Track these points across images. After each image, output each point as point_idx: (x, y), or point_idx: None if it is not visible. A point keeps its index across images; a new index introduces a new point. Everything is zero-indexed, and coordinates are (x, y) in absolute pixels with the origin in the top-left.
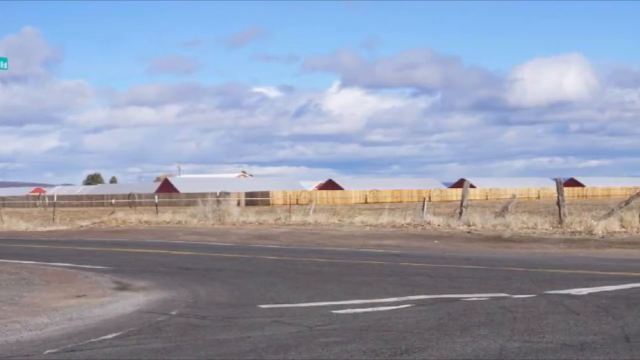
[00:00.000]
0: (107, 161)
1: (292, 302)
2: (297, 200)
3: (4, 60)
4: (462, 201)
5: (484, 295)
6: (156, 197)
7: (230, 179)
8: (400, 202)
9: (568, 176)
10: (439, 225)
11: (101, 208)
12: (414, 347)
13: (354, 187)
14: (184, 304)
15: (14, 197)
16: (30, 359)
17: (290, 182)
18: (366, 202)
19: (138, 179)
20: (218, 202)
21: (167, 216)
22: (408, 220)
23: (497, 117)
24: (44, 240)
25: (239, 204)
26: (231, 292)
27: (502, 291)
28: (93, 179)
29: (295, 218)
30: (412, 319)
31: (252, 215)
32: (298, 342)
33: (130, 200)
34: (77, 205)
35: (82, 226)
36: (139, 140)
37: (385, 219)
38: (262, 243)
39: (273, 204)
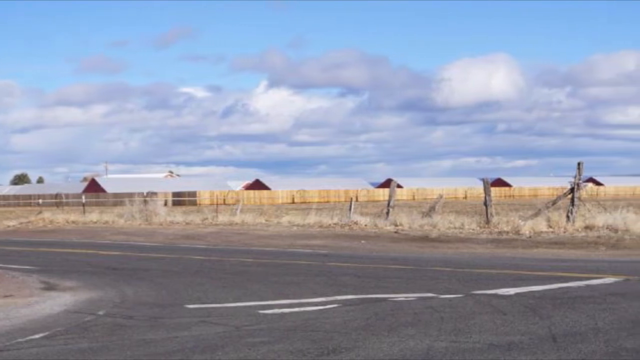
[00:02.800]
0: (34, 161)
1: (219, 302)
2: (224, 200)
3: None
4: (389, 201)
5: (412, 295)
6: (83, 197)
7: (157, 179)
8: (328, 202)
9: (495, 176)
10: (366, 225)
11: (28, 208)
12: (341, 347)
13: (281, 187)
14: (111, 304)
15: None
16: None
17: (218, 182)
18: (293, 202)
19: (65, 179)
20: (145, 202)
21: (94, 216)
22: (335, 220)
23: (424, 117)
24: None
25: (166, 204)
26: (158, 292)
27: (429, 291)
28: (20, 179)
29: (223, 218)
30: (339, 319)
31: (179, 215)
32: (225, 342)
33: (58, 200)
34: (3, 205)
35: (9, 226)
36: (66, 140)
37: (312, 219)
38: (189, 243)
39: (200, 204)
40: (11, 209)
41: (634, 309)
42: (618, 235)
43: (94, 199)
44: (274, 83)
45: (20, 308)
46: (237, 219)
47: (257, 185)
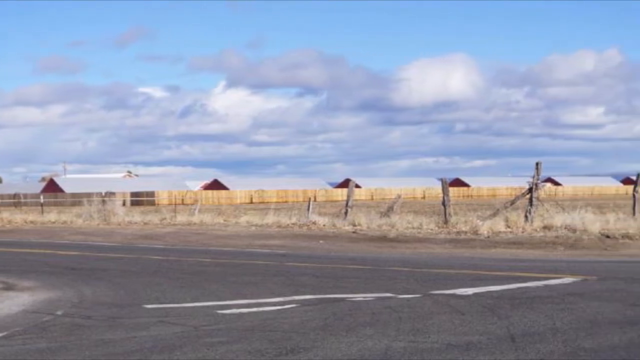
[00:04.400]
0: None
1: (178, 302)
2: (182, 200)
3: None
4: (347, 201)
5: (370, 295)
6: (42, 197)
7: (115, 179)
8: (286, 202)
9: (453, 176)
10: (324, 225)
11: None
12: (299, 347)
13: (240, 187)
14: (69, 304)
15: None
16: None
17: (176, 182)
18: (252, 202)
19: (23, 179)
20: (104, 202)
21: (52, 216)
22: (293, 220)
23: (382, 117)
24: None
25: (124, 204)
26: (116, 292)
27: (387, 291)
28: None
29: (181, 218)
30: (297, 319)
31: (137, 215)
32: (183, 342)
33: (16, 200)
34: None
35: None
36: (24, 140)
37: (270, 219)
38: (147, 243)
39: (158, 204)
40: None
41: (592, 309)
42: (576, 235)
43: (52, 199)
44: (232, 83)
45: None
46: (196, 219)
47: (216, 185)
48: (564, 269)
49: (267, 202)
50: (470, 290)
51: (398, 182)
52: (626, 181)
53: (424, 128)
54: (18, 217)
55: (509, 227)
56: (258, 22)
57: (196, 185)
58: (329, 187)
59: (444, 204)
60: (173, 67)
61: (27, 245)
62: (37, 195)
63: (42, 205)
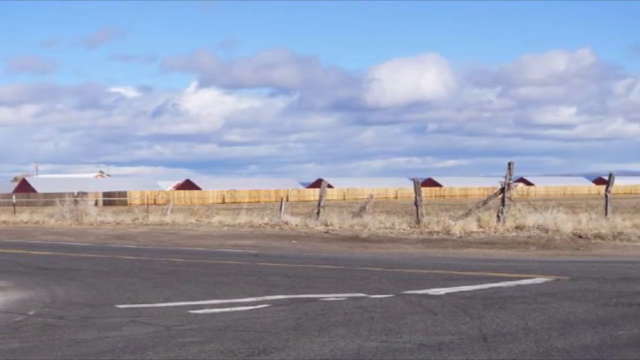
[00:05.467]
0: None
1: (150, 302)
2: (154, 200)
3: None
4: (319, 201)
5: (342, 295)
6: (14, 197)
7: (88, 179)
8: (258, 202)
9: (426, 176)
10: (296, 225)
11: None
12: (271, 347)
13: (212, 187)
14: (41, 304)
15: None
16: None
17: (148, 182)
18: (224, 202)
19: None
20: (76, 202)
21: (24, 216)
22: (266, 220)
23: (355, 117)
24: None
25: (96, 204)
26: (89, 292)
27: (359, 291)
28: None
29: (153, 218)
30: (269, 319)
31: (109, 215)
32: (155, 342)
33: None
34: None
35: None
36: None
37: (242, 219)
38: (119, 243)
39: (131, 204)
40: None
41: (564, 309)
42: (548, 235)
43: (24, 199)
44: (204, 83)
45: None
46: (168, 219)
47: (188, 185)
48: (536, 269)
49: (240, 202)
50: (442, 290)
51: (370, 182)
52: (598, 181)
53: (396, 128)
54: None
55: (481, 227)
56: (231, 22)
57: (168, 185)
58: (302, 187)
59: (416, 204)
60: (145, 67)
61: None
62: (9, 195)
63: (14, 205)
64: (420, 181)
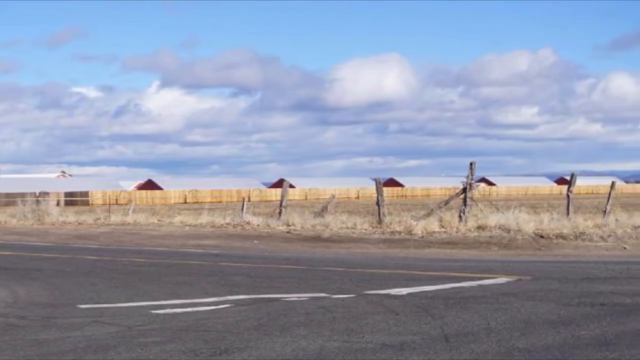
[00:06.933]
0: None
1: (112, 302)
2: (116, 200)
3: None
4: (281, 201)
5: (304, 295)
6: None
7: (49, 179)
8: (220, 202)
9: (387, 176)
10: (258, 225)
11: None
12: (233, 347)
13: (174, 187)
14: (3, 304)
15: None
16: None
17: (110, 182)
18: (186, 202)
19: None
20: (38, 202)
21: None
22: (227, 220)
23: (316, 117)
24: None
25: (58, 204)
26: (51, 292)
27: (321, 291)
28: None
29: (115, 218)
30: (231, 319)
31: (71, 215)
32: (117, 342)
33: None
34: None
35: None
36: None
37: (204, 219)
38: (81, 243)
39: (92, 204)
40: None
41: (526, 309)
42: (510, 235)
43: None
44: (166, 83)
45: None
46: (130, 219)
47: (150, 185)
48: (498, 269)
49: (201, 202)
50: (404, 290)
51: (332, 182)
52: (560, 181)
53: (358, 128)
54: None
55: (443, 227)
56: (192, 22)
57: (130, 185)
58: (263, 187)
59: (378, 204)
60: (107, 67)
61: None
62: None
63: None
64: (382, 181)
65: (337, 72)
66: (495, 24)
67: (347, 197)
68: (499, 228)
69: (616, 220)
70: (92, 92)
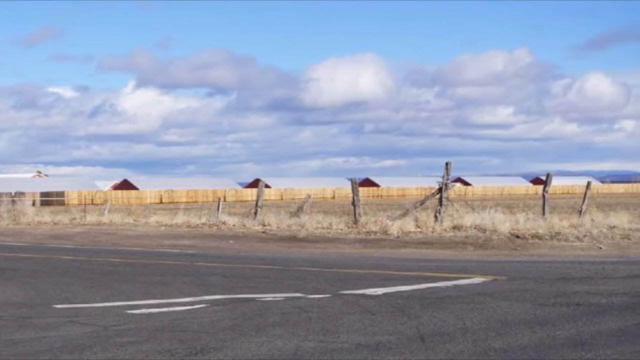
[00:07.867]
0: None
1: (88, 302)
2: (92, 200)
3: None
4: (257, 201)
5: (279, 295)
6: None
7: (25, 179)
8: (196, 202)
9: (363, 176)
10: (234, 225)
11: None
12: (209, 347)
13: (149, 187)
14: None
15: None
16: None
17: (86, 182)
18: (161, 202)
19: None
20: (13, 202)
21: None
22: (203, 220)
23: (292, 117)
24: None
25: (34, 204)
26: (26, 292)
27: (297, 291)
28: None
29: (91, 218)
30: (207, 319)
31: (47, 215)
32: (93, 342)
33: None
34: None
35: None
36: None
37: (180, 219)
38: (57, 243)
39: (68, 204)
40: None
41: (502, 309)
42: (486, 235)
43: None
44: (142, 83)
45: None
46: (105, 219)
47: (125, 185)
48: (473, 269)
49: (177, 202)
50: (380, 290)
51: (308, 182)
52: (536, 181)
53: (334, 128)
54: None
55: (418, 227)
56: (167, 21)
57: (106, 185)
58: (239, 187)
59: (353, 204)
60: (83, 67)
61: None
62: None
63: None
64: (358, 181)
65: (313, 72)
66: (471, 24)
67: (323, 197)
68: (475, 228)
69: (592, 220)
70: (68, 92)
